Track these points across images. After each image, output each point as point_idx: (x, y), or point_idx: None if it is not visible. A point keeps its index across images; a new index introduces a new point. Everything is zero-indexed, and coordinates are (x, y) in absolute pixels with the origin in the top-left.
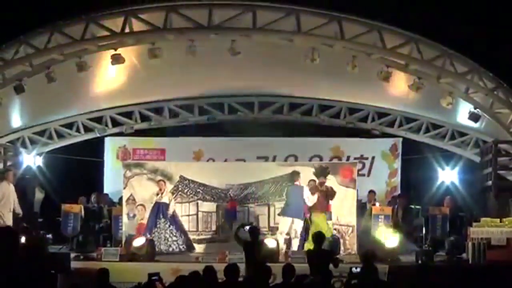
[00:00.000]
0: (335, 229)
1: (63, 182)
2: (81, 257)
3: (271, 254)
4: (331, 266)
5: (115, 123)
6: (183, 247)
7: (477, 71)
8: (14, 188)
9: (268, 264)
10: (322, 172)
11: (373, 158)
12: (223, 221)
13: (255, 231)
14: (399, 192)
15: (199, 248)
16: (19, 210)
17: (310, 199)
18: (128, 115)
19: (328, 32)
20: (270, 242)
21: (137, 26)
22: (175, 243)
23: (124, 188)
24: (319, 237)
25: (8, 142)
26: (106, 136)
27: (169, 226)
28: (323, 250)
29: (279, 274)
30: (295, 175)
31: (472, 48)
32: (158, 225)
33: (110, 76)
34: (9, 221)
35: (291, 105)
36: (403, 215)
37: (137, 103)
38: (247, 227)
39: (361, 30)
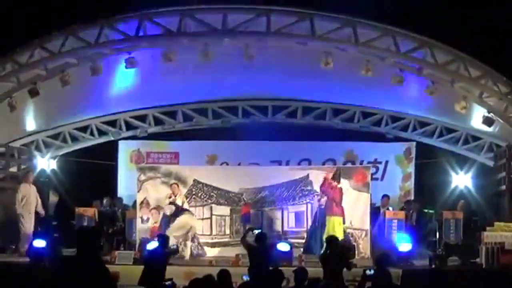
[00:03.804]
0: (348, 233)
1: (77, 186)
2: None
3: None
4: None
5: (129, 127)
6: (195, 252)
7: (491, 76)
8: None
9: (281, 268)
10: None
11: (386, 162)
12: (237, 224)
13: (261, 237)
14: (412, 196)
15: (212, 252)
16: (41, 211)
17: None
18: (142, 118)
19: (342, 36)
20: (283, 246)
21: (151, 30)
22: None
23: (138, 191)
24: (332, 240)
25: (22, 145)
26: (120, 139)
27: None
28: (336, 254)
29: (292, 277)
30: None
31: (486, 52)
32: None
33: (124, 80)
34: (30, 223)
35: (305, 109)
36: (417, 219)
37: (151, 106)
38: (256, 231)
39: (375, 34)
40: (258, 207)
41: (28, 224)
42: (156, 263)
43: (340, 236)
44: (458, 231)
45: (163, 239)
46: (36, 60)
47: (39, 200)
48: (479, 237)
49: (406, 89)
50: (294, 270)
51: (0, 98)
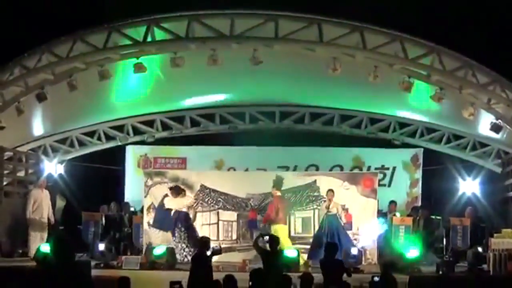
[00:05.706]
0: (355, 239)
1: (84, 190)
2: (102, 265)
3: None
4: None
5: (137, 132)
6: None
7: (499, 82)
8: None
9: (289, 274)
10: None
11: (394, 168)
12: (243, 230)
13: (274, 240)
14: (420, 202)
15: (218, 257)
16: (51, 217)
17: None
18: (150, 123)
19: (350, 42)
20: (290, 252)
21: (159, 35)
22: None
23: (145, 196)
24: (332, 247)
25: (30, 150)
26: (127, 144)
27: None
28: (335, 260)
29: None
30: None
31: (494, 59)
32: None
33: (132, 85)
34: (41, 228)
35: (312, 115)
36: (424, 225)
37: (158, 111)
38: (266, 237)
39: (383, 40)
40: (265, 212)
41: (38, 229)
42: (203, 267)
43: (288, 244)
44: (465, 238)
45: (205, 242)
46: (44, 65)
47: (51, 208)
48: (487, 244)
49: (413, 95)
50: (300, 275)
51: (8, 103)
